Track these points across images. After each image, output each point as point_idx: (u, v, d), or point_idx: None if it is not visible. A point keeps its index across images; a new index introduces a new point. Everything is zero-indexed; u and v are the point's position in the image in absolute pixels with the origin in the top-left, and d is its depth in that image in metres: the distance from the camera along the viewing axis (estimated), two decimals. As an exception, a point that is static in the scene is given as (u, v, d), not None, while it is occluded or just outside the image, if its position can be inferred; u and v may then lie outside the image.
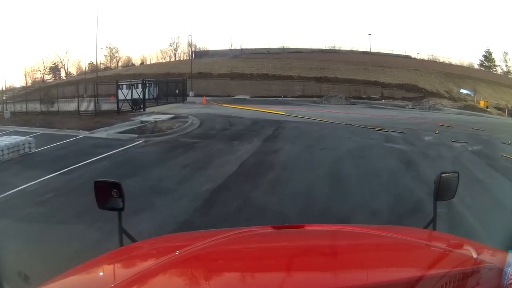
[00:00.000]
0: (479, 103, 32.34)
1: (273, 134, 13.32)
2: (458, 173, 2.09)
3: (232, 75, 39.34)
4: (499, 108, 32.71)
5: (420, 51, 49.04)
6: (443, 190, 2.04)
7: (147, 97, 23.13)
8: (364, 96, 35.75)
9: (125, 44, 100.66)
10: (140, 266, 1.38)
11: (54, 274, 1.38)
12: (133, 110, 20.76)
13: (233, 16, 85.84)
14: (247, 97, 33.13)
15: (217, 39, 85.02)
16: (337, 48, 47.87)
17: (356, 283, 1.22)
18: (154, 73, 40.31)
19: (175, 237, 2.29)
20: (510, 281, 1.20)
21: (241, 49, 48.51)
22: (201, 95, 30.59)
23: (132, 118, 17.21)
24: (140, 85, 23.80)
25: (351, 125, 15.23)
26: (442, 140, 12.47)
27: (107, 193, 1.97)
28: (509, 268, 1.24)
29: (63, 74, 53.81)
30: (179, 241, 1.94)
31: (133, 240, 2.00)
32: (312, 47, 47.08)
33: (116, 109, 20.21)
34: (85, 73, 50.19)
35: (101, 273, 1.49)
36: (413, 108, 27.75)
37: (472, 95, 35.49)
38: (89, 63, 54.08)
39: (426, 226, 2.11)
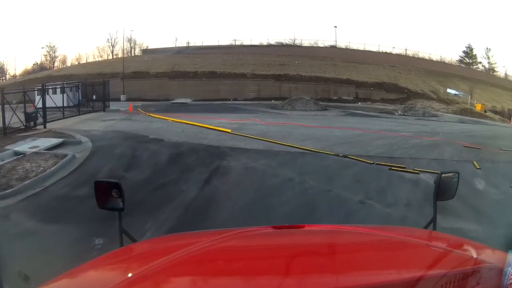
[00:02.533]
0: (476, 107, 31.39)
1: (199, 199, 7.53)
2: (458, 173, 2.24)
3: (172, 74, 36.48)
4: (495, 112, 31.85)
5: (395, 46, 47.01)
6: (443, 190, 2.17)
7: (66, 103, 20.56)
8: (335, 98, 33.31)
9: (66, 42, 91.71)
10: (140, 266, 1.45)
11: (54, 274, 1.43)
12: (27, 127, 15.83)
13: (179, 9, 79.71)
14: (189, 100, 30.80)
15: (163, 36, 77.11)
16: (298, 41, 45.94)
17: (356, 283, 1.30)
18: (85, 73, 36.99)
19: (175, 237, 2.41)
20: (510, 281, 1.27)
21: (187, 46, 46.81)
22: (135, 99, 28.53)
23: (6, 147, 12.35)
24: (57, 90, 21.37)
25: (346, 157, 10.79)
26: (498, 185, 8.66)
27: (107, 193, 2.08)
28: (509, 268, 1.30)
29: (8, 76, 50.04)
30: (179, 241, 2.03)
31: (133, 240, 2.15)
32: (270, 41, 45.78)
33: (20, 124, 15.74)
34: (28, 73, 48.37)
35: (101, 273, 1.57)
36: (405, 115, 25.67)
37: (461, 95, 34.93)
38: (33, 64, 52.35)
39: (426, 226, 2.23)
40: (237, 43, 45.98)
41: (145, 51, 48.98)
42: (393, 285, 1.23)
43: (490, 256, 1.54)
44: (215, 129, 15.31)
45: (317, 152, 11.33)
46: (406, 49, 44.41)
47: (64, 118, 19.02)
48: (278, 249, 1.74)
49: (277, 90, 33.96)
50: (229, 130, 14.93)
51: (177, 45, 47.61)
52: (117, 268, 1.60)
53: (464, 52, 46.94)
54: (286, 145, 12.17)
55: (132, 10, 74.82)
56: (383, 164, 9.93)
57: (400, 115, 25.68)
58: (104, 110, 23.87)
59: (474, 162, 10.59)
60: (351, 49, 44.62)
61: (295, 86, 34.57)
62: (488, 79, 40.27)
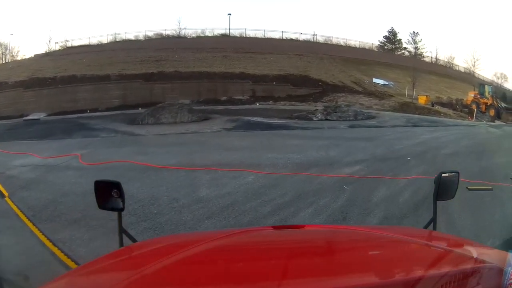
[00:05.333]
0: (418, 99, 29.04)
1: None
2: (458, 172, 2.31)
3: (30, 82, 31.04)
4: (442, 104, 29.55)
5: (302, 31, 41.44)
6: (443, 190, 2.26)
7: None
8: (224, 98, 29.34)
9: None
10: (140, 266, 1.50)
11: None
12: None
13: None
14: (42, 115, 26.58)
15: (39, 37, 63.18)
16: (184, 32, 40.81)
17: (356, 283, 1.34)
18: None
19: (175, 237, 2.64)
20: (510, 281, 1.33)
21: (66, 47, 38.92)
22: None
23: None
24: None
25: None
26: None
27: (107, 193, 2.18)
28: (509, 268, 1.36)
29: None
30: (179, 241, 2.14)
31: (133, 240, 2.25)
32: (148, 33, 40.16)
33: None
34: None
35: (101, 273, 1.64)
36: (329, 119, 20.27)
37: (391, 85, 32.56)
38: None
39: (426, 226, 2.32)
40: (114, 38, 40.10)
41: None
42: (393, 285, 1.31)
43: (490, 256, 1.62)
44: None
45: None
46: (315, 35, 40.59)
47: None
48: (278, 249, 1.83)
49: (148, 93, 29.76)
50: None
51: (50, 47, 40.54)
52: (117, 268, 1.66)
53: (385, 37, 44.59)
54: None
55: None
56: None
57: (322, 119, 20.51)
58: None
59: None
60: (247, 37, 40.20)
61: (171, 86, 30.37)
62: (416, 65, 37.09)
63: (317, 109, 21.67)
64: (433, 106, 27.65)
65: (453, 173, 2.30)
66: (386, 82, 32.31)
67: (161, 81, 30.75)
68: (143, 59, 33.74)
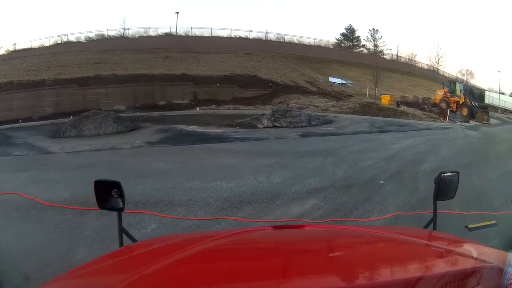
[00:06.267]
0: (381, 99, 27.20)
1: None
2: (458, 172, 2.33)
3: None
4: (408, 103, 27.83)
5: (253, 29, 39.19)
6: (443, 190, 2.26)
7: None
8: (163, 103, 26.59)
9: None
10: (140, 266, 1.51)
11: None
12: None
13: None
14: None
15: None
16: (128, 31, 38.18)
17: (356, 283, 1.36)
18: None
19: (175, 237, 2.60)
20: (510, 281, 1.34)
21: (10, 51, 35.39)
22: None
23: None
24: None
25: None
26: None
27: (107, 193, 2.19)
28: (509, 268, 1.38)
29: None
30: (179, 241, 2.13)
31: (133, 240, 2.24)
32: (89, 35, 37.13)
33: None
34: None
35: (101, 273, 1.64)
36: (277, 126, 17.83)
37: (350, 84, 31.44)
38: None
39: (426, 226, 2.32)
40: (59, 40, 36.85)
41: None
42: (393, 285, 1.30)
43: (490, 256, 1.59)
44: None
45: None
46: (267, 32, 38.91)
47: None
48: (278, 249, 1.82)
49: (82, 99, 27.57)
50: None
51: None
52: (117, 268, 1.67)
53: (343, 34, 43.05)
54: None
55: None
56: None
57: (269, 127, 18.19)
58: None
59: None
60: (193, 36, 37.94)
61: (105, 91, 28.05)
62: (376, 63, 35.60)
63: (264, 114, 19.21)
64: (398, 106, 26.11)
65: (453, 173, 2.32)
66: (344, 81, 31.17)
67: (96, 85, 28.41)
68: (82, 61, 31.60)
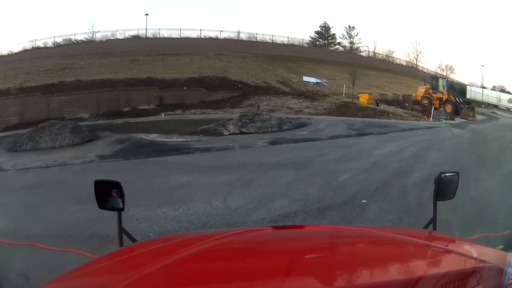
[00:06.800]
0: (359, 98, 25.86)
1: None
2: (458, 173, 2.31)
3: None
4: (387, 102, 26.42)
5: (223, 28, 38.84)
6: (443, 190, 2.24)
7: None
8: (127, 109, 24.65)
9: None
10: (140, 266, 1.48)
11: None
12: None
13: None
14: None
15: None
16: (97, 35, 37.32)
17: (356, 283, 1.34)
18: None
19: (175, 237, 2.48)
20: (510, 281, 1.32)
21: None
22: None
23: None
24: None
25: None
26: None
27: (107, 193, 2.18)
28: (509, 268, 1.36)
29: None
30: (179, 241, 2.07)
31: (133, 240, 2.23)
32: (56, 40, 35.93)
33: None
34: None
35: (101, 273, 1.63)
36: (244, 132, 16.32)
37: (325, 83, 30.26)
38: None
39: (426, 226, 2.32)
40: (33, 45, 36.05)
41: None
42: (393, 285, 1.28)
43: (490, 256, 1.59)
44: None
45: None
46: (239, 32, 38.45)
47: None
48: (278, 249, 1.80)
49: (46, 108, 26.21)
50: None
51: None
52: (117, 268, 1.65)
53: (317, 32, 42.83)
54: None
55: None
56: None
57: (236, 133, 16.65)
58: None
59: None
60: (161, 37, 37.48)
61: (69, 98, 26.54)
62: (353, 60, 34.74)
63: (231, 119, 17.67)
64: (378, 105, 24.85)
65: (453, 173, 2.30)
66: (319, 80, 30.20)
67: (60, 92, 27.13)
68: (48, 68, 30.47)
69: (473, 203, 7.55)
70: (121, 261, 1.72)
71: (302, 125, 18.13)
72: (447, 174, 2.22)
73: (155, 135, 16.36)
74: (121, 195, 2.13)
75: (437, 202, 2.25)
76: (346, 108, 23.38)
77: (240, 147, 13.44)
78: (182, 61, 31.18)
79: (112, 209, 2.14)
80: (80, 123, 19.88)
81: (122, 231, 2.19)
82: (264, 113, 19.70)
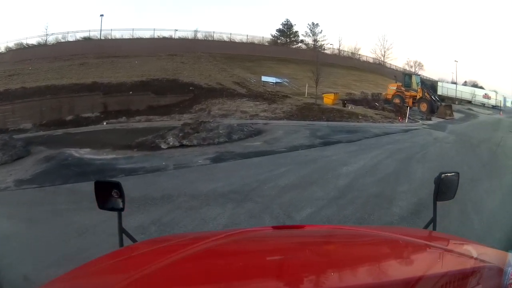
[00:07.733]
0: (323, 99, 24.31)
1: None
2: (458, 173, 2.30)
3: None
4: (354, 101, 25.04)
5: (178, 28, 40.62)
6: (443, 190, 2.23)
7: None
8: (70, 118, 23.17)
9: None
10: (140, 266, 1.49)
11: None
12: None
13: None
14: None
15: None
16: (49, 37, 37.41)
17: (356, 283, 1.36)
18: None
19: (175, 237, 2.61)
20: (510, 281, 1.34)
21: None
22: None
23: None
24: None
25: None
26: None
27: (107, 193, 2.18)
28: (509, 268, 1.38)
29: None
30: (179, 241, 2.11)
31: (133, 240, 2.23)
32: (8, 44, 36.34)
33: None
34: None
35: (101, 273, 1.63)
36: (185, 144, 13.78)
37: (286, 83, 29.66)
38: None
39: (426, 226, 2.31)
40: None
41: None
42: (393, 285, 1.30)
43: (490, 256, 1.62)
44: None
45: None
46: (197, 31, 39.32)
47: None
48: (278, 249, 1.82)
49: None
50: None
51: None
52: (117, 268, 1.67)
53: (279, 30, 43.56)
54: None
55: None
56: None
57: (175, 146, 13.87)
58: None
59: None
60: (113, 39, 37.81)
61: (12, 107, 25.29)
62: (317, 58, 33.56)
63: (172, 129, 15.01)
64: (345, 106, 22.86)
65: (454, 173, 2.29)
66: (279, 80, 29.71)
67: (4, 101, 25.95)
68: None
69: (477, 232, 6.02)
70: (121, 261, 1.71)
71: (256, 133, 15.65)
72: (447, 175, 2.20)
73: (87, 150, 13.60)
74: (121, 195, 2.11)
75: (437, 202, 2.23)
76: (308, 111, 21.16)
77: (174, 167, 10.52)
78: (132, 63, 30.69)
79: (112, 209, 2.13)
80: (21, 136, 18.18)
81: (122, 231, 2.14)
82: (211, 121, 17.10)
